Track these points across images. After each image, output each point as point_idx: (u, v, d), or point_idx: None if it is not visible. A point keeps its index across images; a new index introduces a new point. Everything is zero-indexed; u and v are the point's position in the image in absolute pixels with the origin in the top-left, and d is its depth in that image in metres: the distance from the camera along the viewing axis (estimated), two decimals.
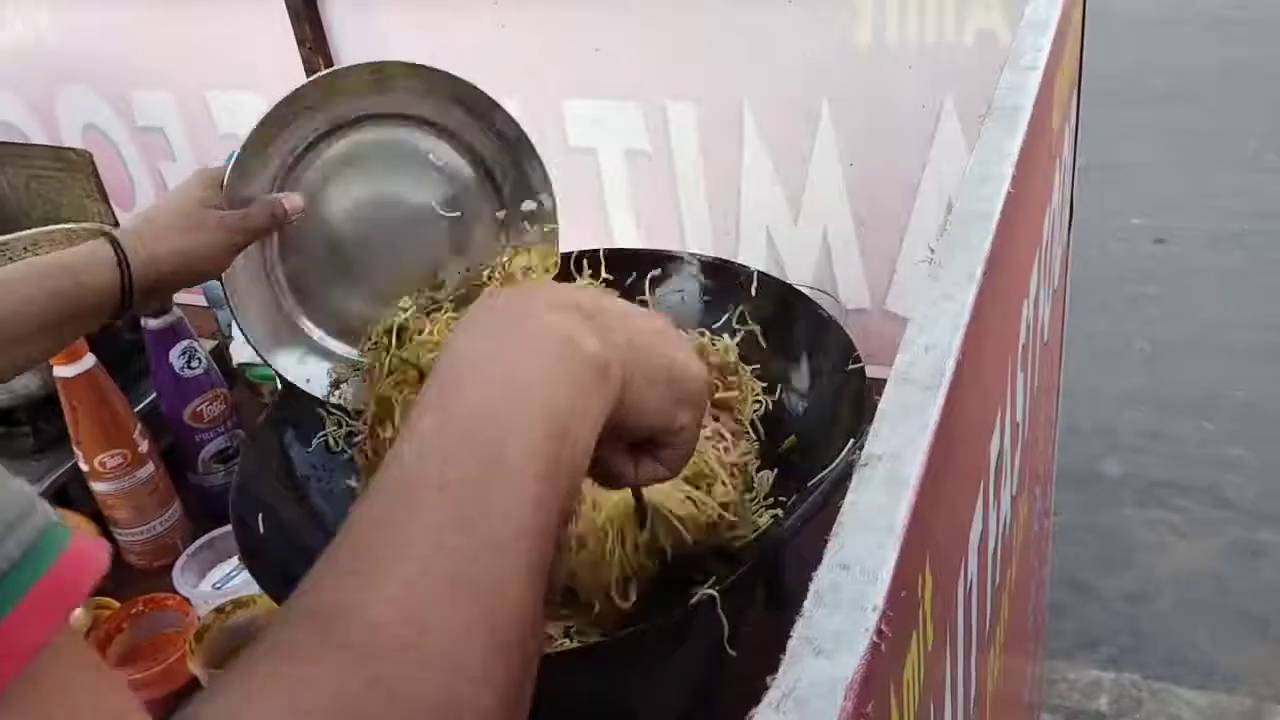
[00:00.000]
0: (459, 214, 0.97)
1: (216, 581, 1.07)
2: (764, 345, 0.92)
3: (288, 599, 0.42)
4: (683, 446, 0.59)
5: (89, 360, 1.08)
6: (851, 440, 0.74)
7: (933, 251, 0.54)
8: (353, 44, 1.36)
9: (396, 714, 0.38)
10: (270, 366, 0.95)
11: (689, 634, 0.73)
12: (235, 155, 0.86)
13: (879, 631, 0.36)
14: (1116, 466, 2.28)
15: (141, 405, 1.19)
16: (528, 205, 0.99)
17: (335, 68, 0.89)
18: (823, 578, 0.38)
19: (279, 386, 0.99)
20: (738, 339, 0.93)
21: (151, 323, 1.11)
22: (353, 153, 0.92)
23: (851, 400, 0.79)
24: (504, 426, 0.46)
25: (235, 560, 1.09)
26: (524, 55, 1.28)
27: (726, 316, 0.94)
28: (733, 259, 1.03)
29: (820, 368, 0.87)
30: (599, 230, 1.34)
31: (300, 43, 1.35)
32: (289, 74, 1.38)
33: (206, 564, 1.09)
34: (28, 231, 1.36)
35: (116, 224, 1.37)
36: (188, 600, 1.03)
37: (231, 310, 0.91)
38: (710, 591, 0.68)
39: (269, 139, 0.88)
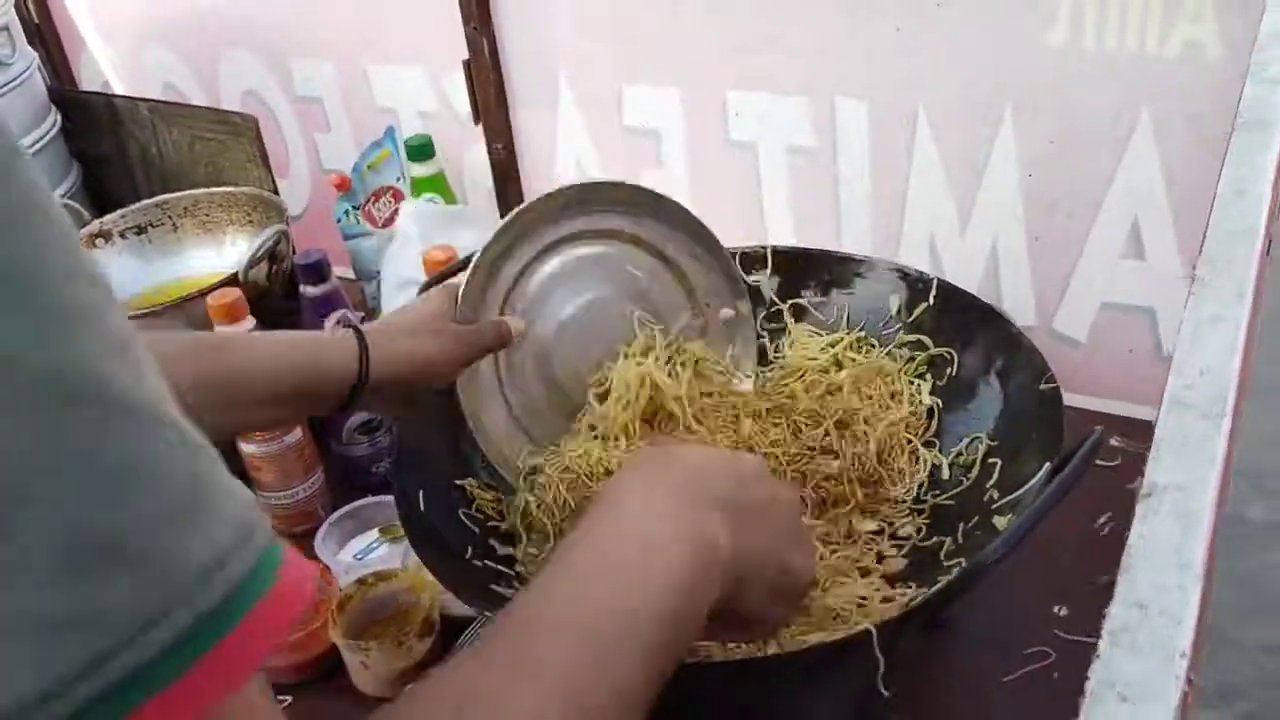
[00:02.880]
0: (660, 326, 1.00)
1: (358, 552, 1.07)
2: (949, 357, 0.88)
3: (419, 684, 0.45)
4: (765, 634, 0.67)
5: (249, 323, 1.09)
6: (1048, 464, 0.70)
7: (1195, 271, 0.50)
8: (519, 25, 1.35)
9: None
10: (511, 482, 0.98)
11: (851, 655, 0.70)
12: (465, 279, 0.91)
13: (1188, 680, 0.32)
14: (1262, 511, 2.17)
15: None
16: (725, 313, 1.03)
17: (551, 191, 0.94)
18: (1116, 616, 0.34)
19: None
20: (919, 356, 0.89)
21: (310, 290, 1.12)
22: (563, 269, 0.98)
23: (1046, 422, 0.75)
24: (644, 593, 0.52)
25: (376, 532, 1.09)
26: (692, 43, 1.26)
27: (902, 325, 0.91)
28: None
29: (1008, 385, 0.83)
30: (754, 228, 1.31)
31: (466, 21, 1.34)
32: (452, 52, 1.38)
33: (348, 534, 1.09)
34: (189, 191, 1.39)
35: (276, 190, 1.38)
36: (328, 568, 1.03)
37: (467, 418, 0.94)
38: (868, 626, 0.64)
39: (494, 260, 0.93)
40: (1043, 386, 0.78)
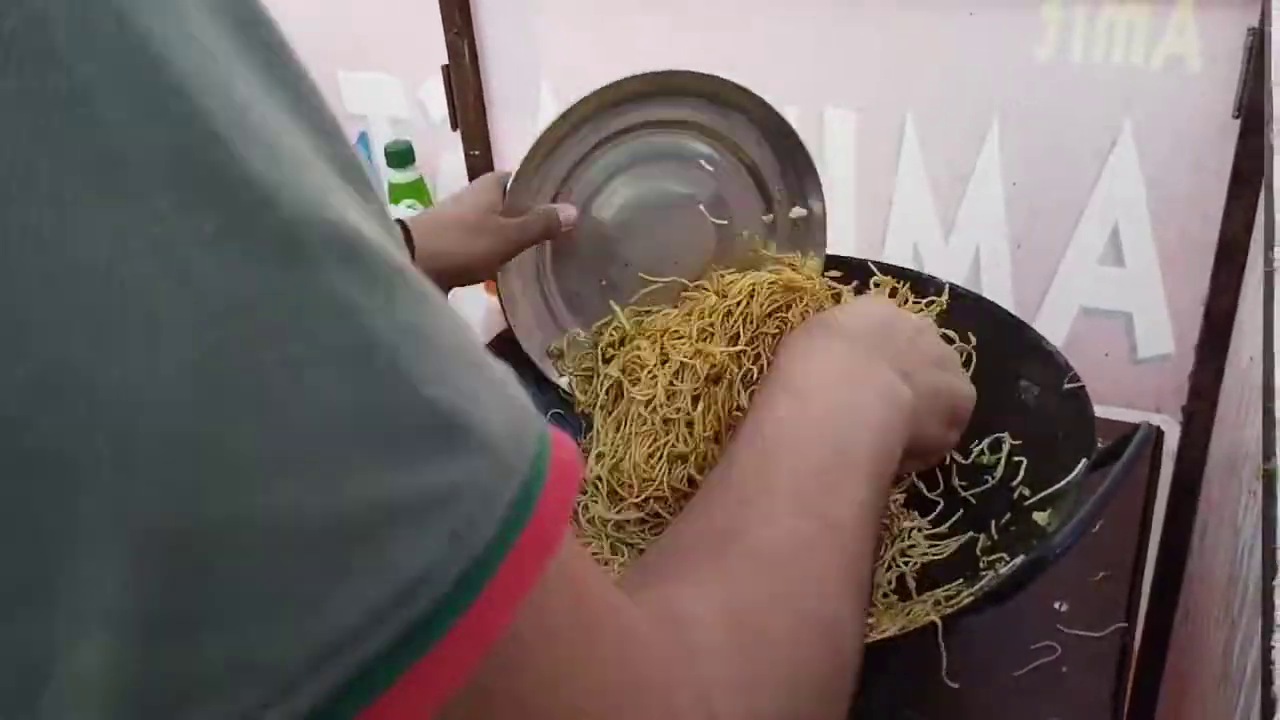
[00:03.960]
0: (726, 221, 0.95)
1: None
2: (969, 359, 0.90)
3: (672, 523, 0.49)
4: (939, 457, 0.72)
5: None
6: (1084, 460, 0.72)
7: (1274, 263, 0.52)
8: (501, 31, 1.35)
9: (792, 613, 0.43)
10: (542, 370, 0.95)
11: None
12: (517, 167, 0.87)
13: None
14: None
15: None
16: (797, 212, 0.98)
17: (615, 80, 0.88)
18: None
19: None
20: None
21: None
22: (626, 159, 0.93)
23: (1076, 422, 0.77)
24: (849, 435, 0.55)
25: None
26: (681, 52, 1.26)
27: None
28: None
29: (1030, 387, 0.85)
30: None
31: (447, 27, 1.33)
32: (427, 58, 1.37)
33: None
34: None
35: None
36: None
37: (504, 308, 0.92)
38: (934, 619, 0.65)
39: (550, 149, 0.89)
40: (1067, 386, 0.80)
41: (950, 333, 0.91)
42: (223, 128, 0.23)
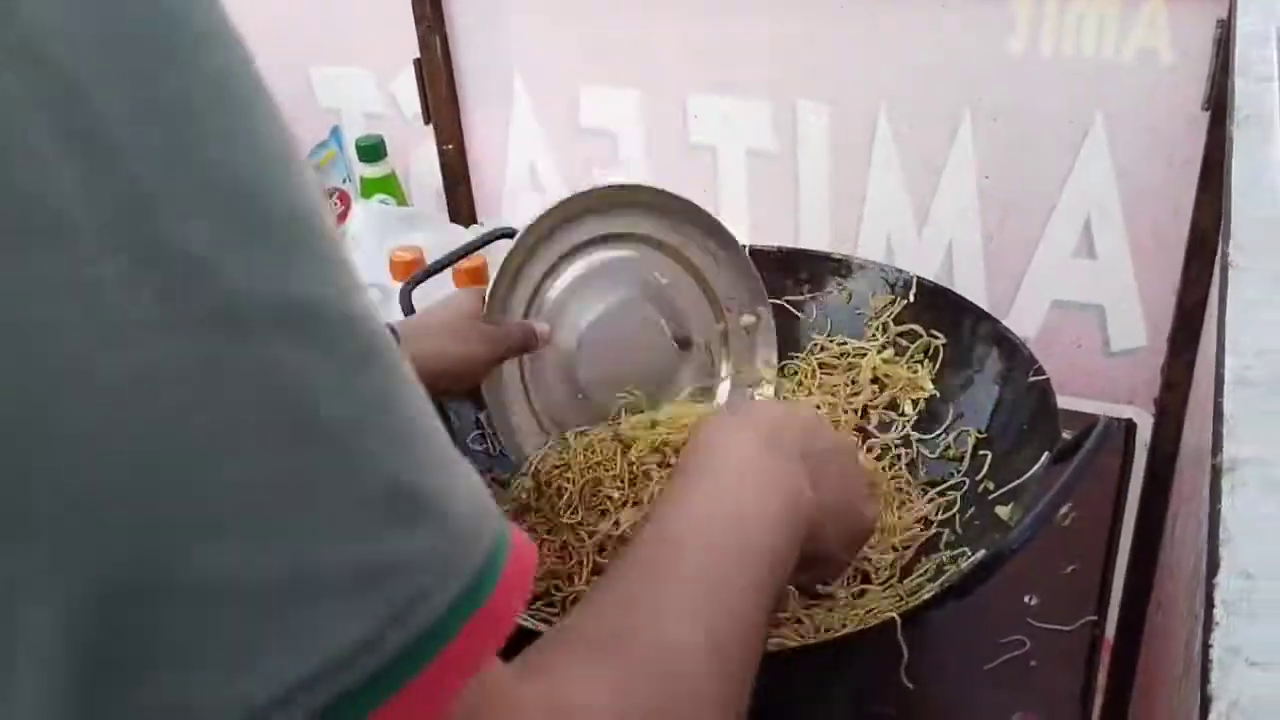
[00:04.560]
0: (687, 337, 1.00)
1: None
2: (936, 352, 0.90)
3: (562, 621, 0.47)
4: (834, 575, 0.70)
5: None
6: (1047, 454, 0.72)
7: (1226, 258, 0.51)
8: (473, 24, 1.34)
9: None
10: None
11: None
12: (489, 287, 0.90)
13: None
14: None
15: None
16: (747, 319, 1.03)
17: (568, 196, 0.93)
18: (1226, 585, 0.35)
19: None
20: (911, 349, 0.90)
21: None
22: (584, 276, 0.96)
23: (1039, 414, 0.77)
24: (755, 530, 0.54)
25: None
26: (651, 46, 1.26)
27: (882, 322, 0.92)
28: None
29: (995, 378, 0.85)
30: None
31: (418, 20, 1.32)
32: (399, 52, 1.36)
33: None
34: None
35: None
36: None
37: (493, 419, 0.94)
38: (893, 615, 0.65)
39: (516, 268, 0.92)
40: (1032, 379, 0.79)
41: (917, 330, 0.92)
42: (164, 203, 0.23)
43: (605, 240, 0.97)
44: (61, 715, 0.23)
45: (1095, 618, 0.92)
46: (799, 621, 0.72)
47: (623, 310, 0.98)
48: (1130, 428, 1.14)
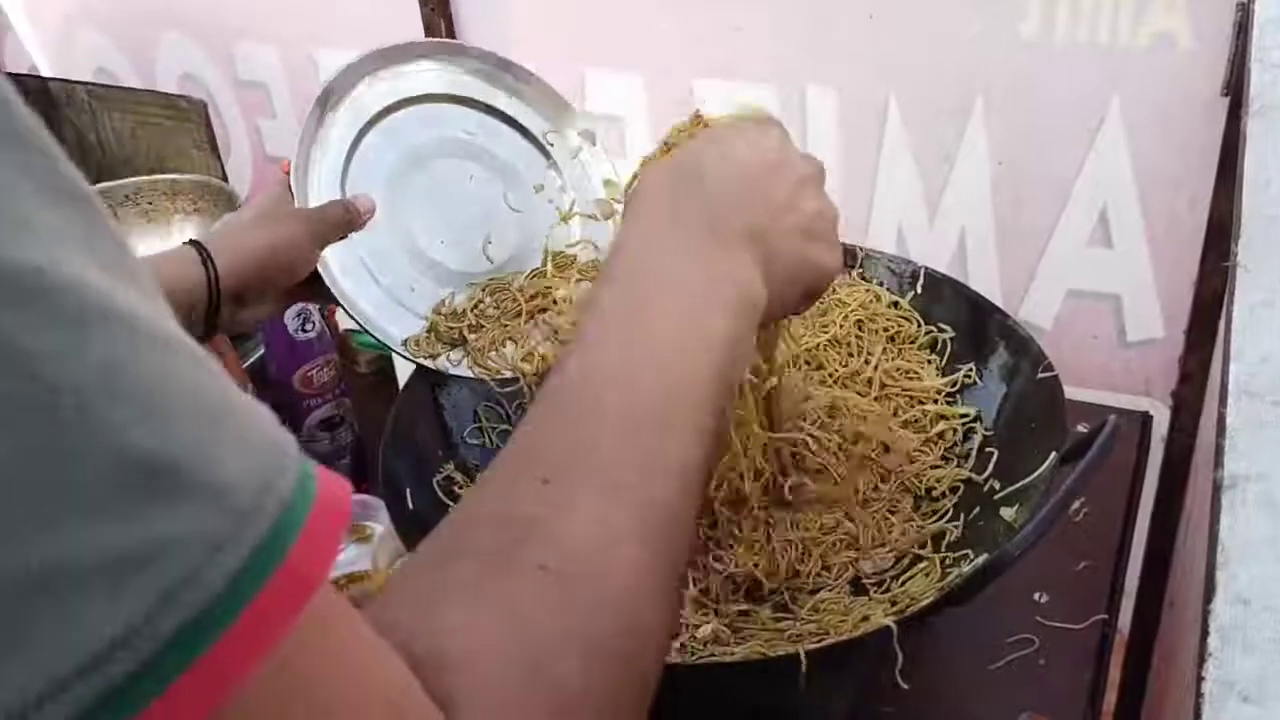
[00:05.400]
0: (510, 181, 0.97)
1: None
2: (943, 346, 0.88)
3: (470, 493, 0.43)
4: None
5: None
6: (1054, 454, 0.70)
7: (1234, 257, 0.49)
8: (477, 6, 1.32)
9: (582, 642, 0.38)
10: (389, 347, 0.92)
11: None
12: (291, 171, 0.86)
13: None
14: None
15: (248, 363, 1.16)
16: (573, 143, 0.99)
17: (347, 64, 0.90)
18: (1221, 612, 0.33)
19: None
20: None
21: None
22: (394, 146, 0.93)
23: (1047, 412, 0.75)
24: (686, 368, 0.47)
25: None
26: (655, 30, 1.24)
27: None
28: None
29: (1004, 374, 0.83)
30: None
31: (423, 4, 1.30)
32: (405, 35, 1.34)
33: None
34: (130, 179, 1.33)
35: (225, 176, 1.33)
36: None
37: (342, 303, 0.90)
38: (888, 624, 0.63)
39: (308, 147, 0.88)
40: (1040, 375, 0.77)
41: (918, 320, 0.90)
42: None
43: (399, 107, 0.93)
44: None
45: (1106, 616, 0.90)
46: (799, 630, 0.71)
47: (446, 178, 0.95)
48: (1146, 420, 1.12)
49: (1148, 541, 1.18)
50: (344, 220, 0.86)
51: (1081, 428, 0.77)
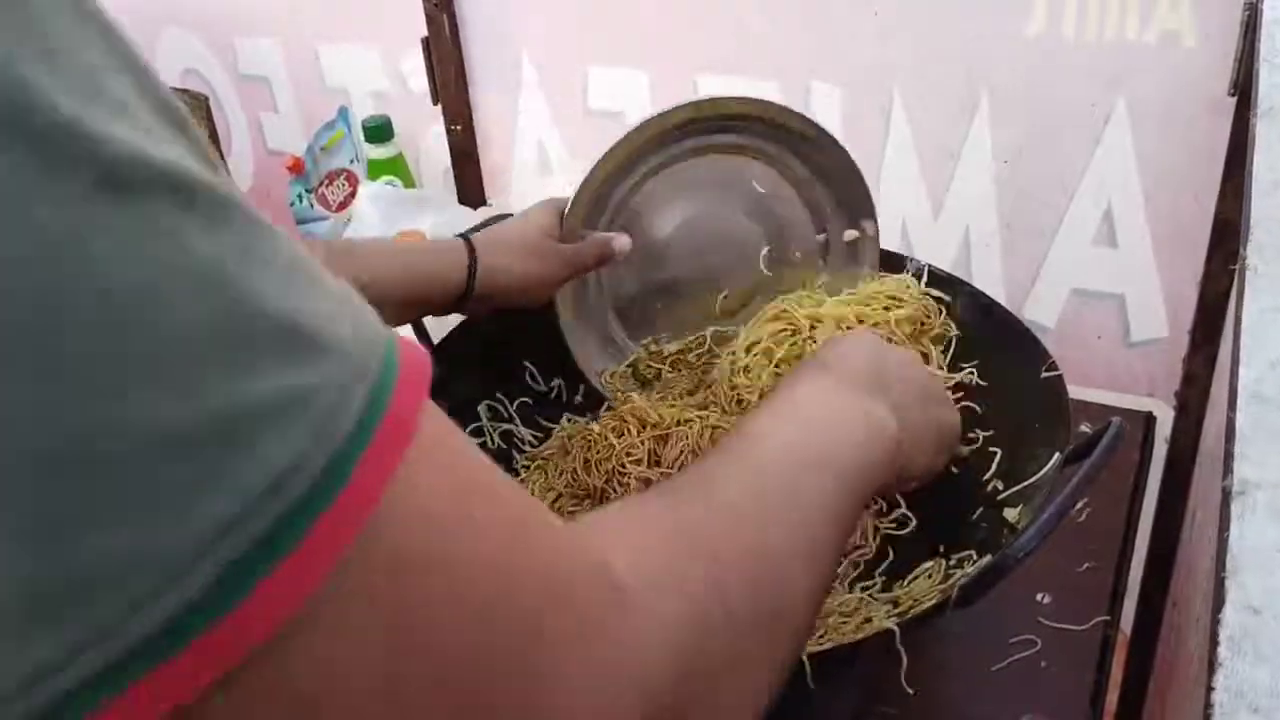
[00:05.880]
0: (777, 242, 0.96)
1: None
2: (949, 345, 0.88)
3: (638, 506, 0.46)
4: (925, 482, 0.68)
5: None
6: (1058, 455, 0.69)
7: (1243, 260, 0.49)
8: (481, 4, 1.32)
9: (747, 559, 0.42)
10: (597, 386, 0.95)
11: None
12: (574, 193, 0.88)
13: None
14: None
15: None
16: (850, 234, 0.97)
17: (664, 110, 0.89)
18: (1231, 621, 0.33)
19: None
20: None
21: None
22: (678, 186, 0.93)
23: (1051, 412, 0.74)
24: (830, 449, 0.53)
25: None
26: (659, 27, 1.23)
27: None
28: None
29: (1008, 373, 0.82)
30: None
31: (427, 0, 1.30)
32: (408, 31, 1.34)
33: None
34: None
35: (228, 172, 1.33)
36: None
37: (561, 329, 0.93)
38: (891, 626, 0.63)
39: (602, 180, 0.89)
40: (1045, 374, 0.77)
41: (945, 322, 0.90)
42: (40, 79, 0.24)
43: (697, 152, 0.93)
44: (8, 573, 0.24)
45: (1109, 617, 0.90)
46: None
47: (713, 216, 0.94)
48: (1150, 420, 1.11)
49: (1150, 542, 1.18)
50: (599, 261, 0.90)
51: (1085, 428, 0.77)
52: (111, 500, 0.25)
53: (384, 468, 0.29)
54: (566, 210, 0.88)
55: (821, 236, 0.97)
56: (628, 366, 0.94)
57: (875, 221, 0.97)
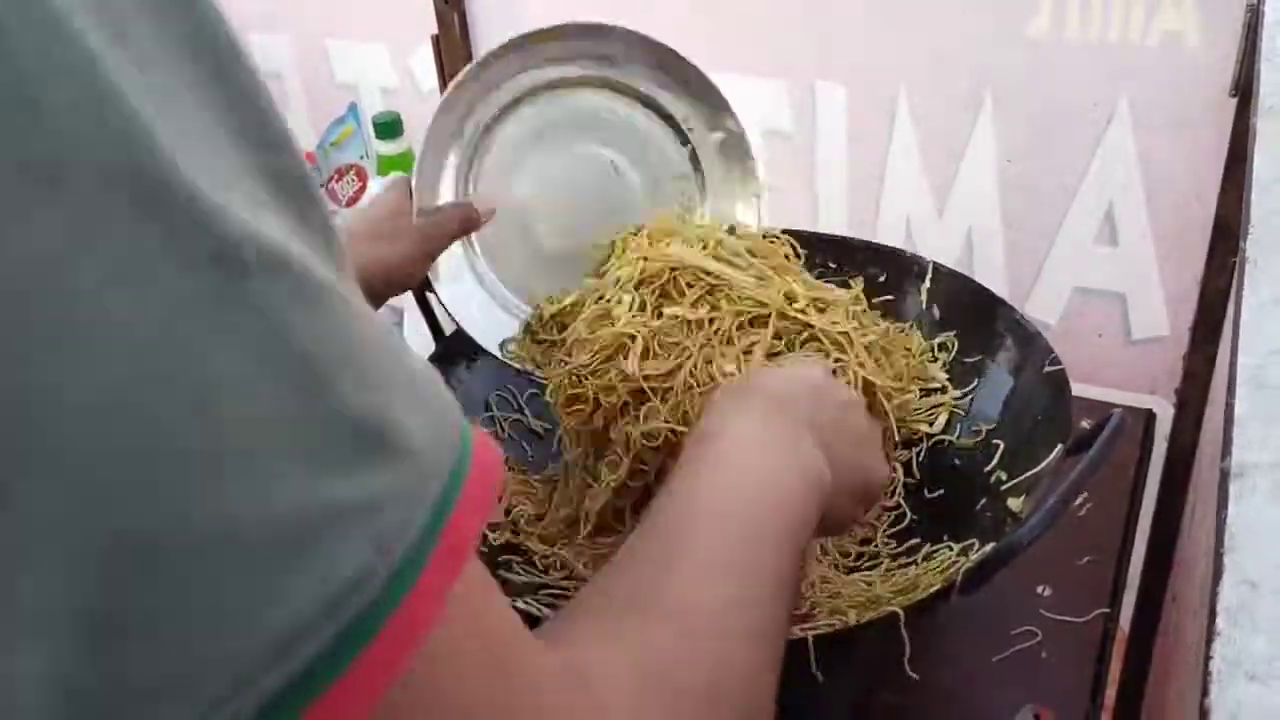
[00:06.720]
0: (643, 168, 0.93)
1: None
2: (949, 345, 0.89)
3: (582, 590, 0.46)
4: (841, 533, 0.70)
5: None
6: (1060, 447, 0.71)
7: (1243, 252, 0.50)
8: (491, 1, 1.33)
9: (716, 679, 0.41)
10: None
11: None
12: (417, 162, 0.85)
13: None
14: None
15: None
16: (716, 136, 0.94)
17: (484, 53, 0.86)
18: (1229, 594, 0.34)
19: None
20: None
21: None
22: (527, 131, 0.90)
23: (1053, 406, 0.76)
24: (767, 508, 0.52)
25: None
26: (669, 24, 1.24)
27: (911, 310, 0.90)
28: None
29: (1011, 368, 0.84)
30: None
31: None
32: (417, 27, 1.35)
33: None
34: None
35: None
36: None
37: (446, 306, 0.89)
38: (895, 610, 0.64)
39: (442, 142, 0.86)
40: (1048, 369, 0.78)
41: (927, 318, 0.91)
42: (164, 144, 0.23)
43: (536, 91, 0.89)
44: (69, 674, 0.23)
45: (1109, 610, 0.91)
46: (806, 614, 0.72)
47: (575, 160, 0.91)
48: (1150, 418, 1.13)
49: (1150, 537, 1.19)
50: (461, 226, 0.85)
51: (1086, 423, 0.78)
52: (176, 600, 0.24)
53: (441, 585, 0.28)
54: (414, 181, 0.83)
55: (687, 147, 0.95)
56: (525, 334, 0.91)
57: (734, 116, 0.94)
